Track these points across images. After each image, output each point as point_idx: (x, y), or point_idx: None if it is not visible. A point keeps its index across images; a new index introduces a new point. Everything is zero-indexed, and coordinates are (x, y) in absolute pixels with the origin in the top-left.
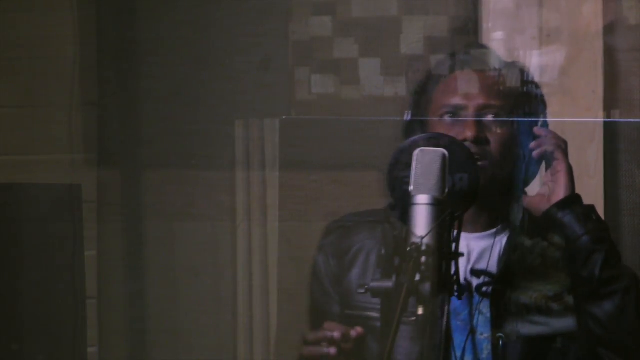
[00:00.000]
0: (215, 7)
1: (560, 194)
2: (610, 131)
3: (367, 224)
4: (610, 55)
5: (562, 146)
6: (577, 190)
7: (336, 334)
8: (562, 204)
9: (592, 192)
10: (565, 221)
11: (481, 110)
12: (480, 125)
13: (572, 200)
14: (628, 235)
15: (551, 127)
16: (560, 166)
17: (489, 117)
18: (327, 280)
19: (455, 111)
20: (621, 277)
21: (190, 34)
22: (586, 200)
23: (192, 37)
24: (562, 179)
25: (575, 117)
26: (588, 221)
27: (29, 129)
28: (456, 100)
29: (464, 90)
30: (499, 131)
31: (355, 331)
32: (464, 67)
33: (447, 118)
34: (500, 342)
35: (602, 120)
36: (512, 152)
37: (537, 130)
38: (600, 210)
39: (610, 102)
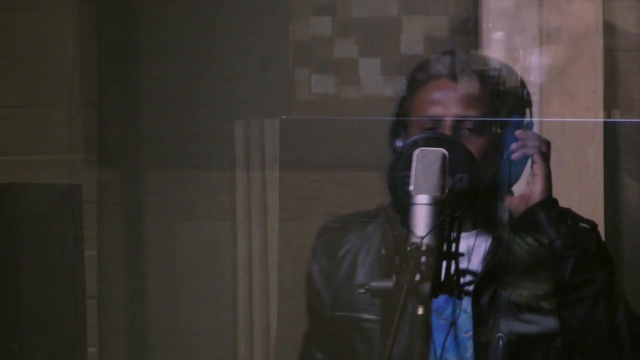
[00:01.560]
0: (215, 7)
1: (536, 197)
2: (610, 131)
3: (357, 225)
4: (610, 55)
5: (542, 148)
6: (577, 190)
7: None
8: (537, 207)
9: (592, 192)
10: (540, 224)
11: (458, 123)
12: (457, 135)
13: (547, 204)
14: (628, 235)
15: (551, 127)
16: (537, 169)
17: (466, 128)
18: (319, 282)
19: (432, 122)
20: (591, 284)
21: (190, 34)
22: (586, 200)
23: (192, 37)
24: (538, 182)
25: (575, 117)
26: (561, 226)
27: (29, 129)
28: (432, 111)
29: (441, 101)
30: (477, 139)
31: None
32: (443, 76)
33: (426, 126)
34: (500, 342)
35: (602, 120)
36: (493, 156)
37: (518, 133)
38: (600, 210)
39: (610, 102)
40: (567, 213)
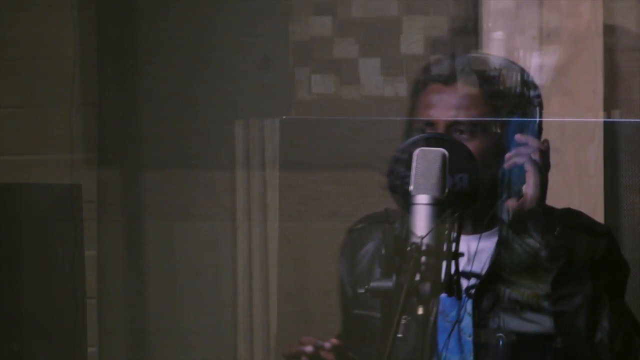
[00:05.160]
0: (215, 7)
1: (526, 205)
2: (610, 131)
3: (380, 225)
4: (610, 55)
5: (534, 156)
6: (577, 190)
7: (308, 348)
8: (526, 216)
9: (592, 192)
10: (530, 233)
11: (450, 126)
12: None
13: (534, 213)
14: (628, 235)
15: (551, 127)
16: (528, 178)
17: (459, 132)
18: (345, 280)
19: (427, 126)
20: (571, 298)
21: (190, 34)
22: (586, 200)
23: (192, 37)
24: (529, 190)
25: (575, 117)
26: (547, 236)
27: (29, 129)
28: (427, 115)
29: (436, 106)
30: (475, 141)
31: (330, 343)
32: (439, 81)
33: (426, 130)
34: (500, 342)
35: (602, 120)
36: (491, 159)
37: (517, 137)
38: (600, 210)
39: (610, 102)
40: (579, 216)
